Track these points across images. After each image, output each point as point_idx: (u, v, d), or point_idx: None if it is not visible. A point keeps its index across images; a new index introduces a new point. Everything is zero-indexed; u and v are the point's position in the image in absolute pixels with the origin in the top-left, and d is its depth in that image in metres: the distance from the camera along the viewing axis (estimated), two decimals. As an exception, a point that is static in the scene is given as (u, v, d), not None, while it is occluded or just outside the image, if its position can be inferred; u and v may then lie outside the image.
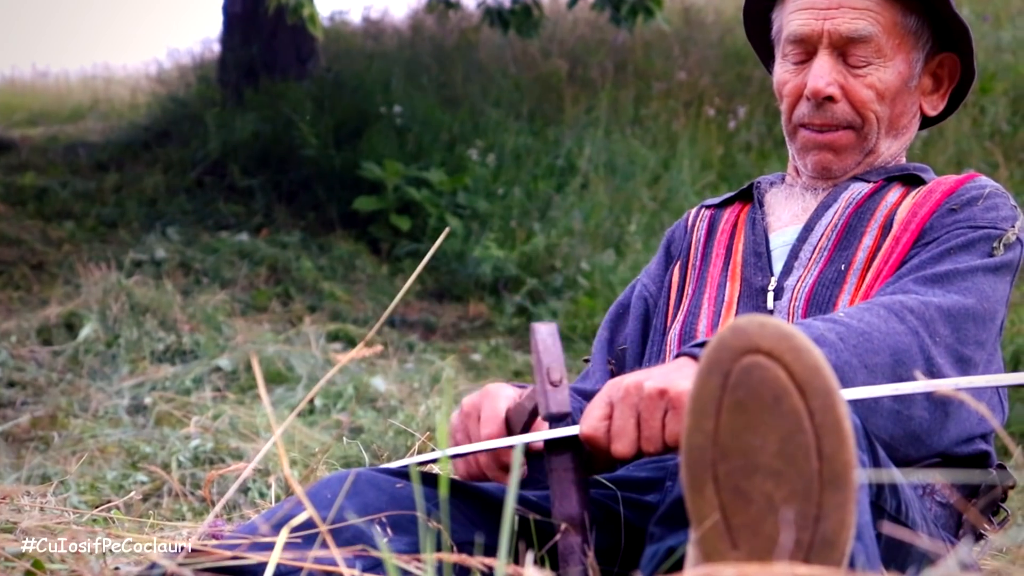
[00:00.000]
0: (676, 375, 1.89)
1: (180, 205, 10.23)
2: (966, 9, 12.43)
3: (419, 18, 13.84)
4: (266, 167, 10.61)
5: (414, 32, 13.74)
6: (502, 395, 2.10)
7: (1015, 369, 6.46)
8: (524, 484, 2.17)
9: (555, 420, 1.96)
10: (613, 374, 2.56)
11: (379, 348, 1.85)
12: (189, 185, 10.68)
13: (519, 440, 2.02)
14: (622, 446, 1.88)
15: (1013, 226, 2.30)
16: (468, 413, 2.12)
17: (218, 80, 12.55)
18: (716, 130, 10.68)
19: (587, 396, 2.43)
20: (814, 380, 1.51)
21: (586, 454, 1.96)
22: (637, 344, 2.59)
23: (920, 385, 1.86)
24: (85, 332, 6.98)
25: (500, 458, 2.07)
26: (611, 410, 1.91)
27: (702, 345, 1.95)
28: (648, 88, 11.45)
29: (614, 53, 12.26)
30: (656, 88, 11.45)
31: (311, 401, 5.87)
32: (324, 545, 1.76)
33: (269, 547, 1.85)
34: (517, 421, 2.06)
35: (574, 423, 2.02)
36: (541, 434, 2.02)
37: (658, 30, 11.55)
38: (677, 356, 1.98)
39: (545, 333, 1.99)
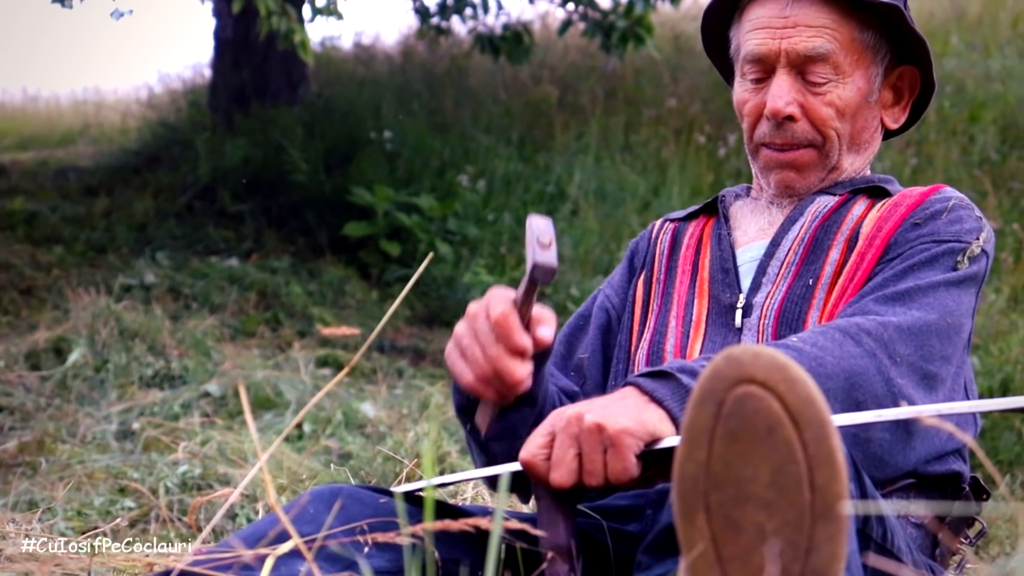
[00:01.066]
0: (616, 408, 1.89)
1: (170, 230, 10.23)
2: (955, 37, 12.52)
3: (410, 44, 13.88)
4: (256, 192, 10.61)
5: (405, 58, 13.77)
6: (507, 291, 2.06)
7: (1003, 395, 6.45)
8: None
9: (543, 273, 1.95)
10: (576, 385, 2.54)
11: (357, 364, 1.84)
12: (179, 210, 10.68)
13: (502, 470, 2.01)
14: (559, 476, 1.88)
15: (978, 238, 2.29)
16: (475, 314, 2.07)
17: (209, 105, 12.56)
18: (706, 157, 10.71)
19: (558, 386, 2.45)
20: (807, 411, 1.51)
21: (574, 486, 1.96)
22: (598, 352, 2.58)
23: (904, 412, 1.86)
24: (74, 357, 6.97)
25: (511, 341, 2.00)
26: (552, 438, 1.90)
27: (647, 375, 1.95)
28: (638, 115, 11.48)
29: (604, 80, 12.30)
30: (646, 115, 11.48)
31: (300, 427, 5.86)
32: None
33: (253, 568, 1.84)
34: (519, 299, 2.03)
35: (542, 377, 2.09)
36: (500, 468, 2.02)
37: (648, 57, 11.61)
38: (624, 384, 1.97)
39: (539, 217, 2.00)
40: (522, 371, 2.02)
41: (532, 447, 1.91)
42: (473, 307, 2.08)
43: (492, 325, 2.01)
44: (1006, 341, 7.22)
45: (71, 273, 8.88)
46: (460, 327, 2.09)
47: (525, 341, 2.01)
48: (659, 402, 1.90)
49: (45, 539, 2.47)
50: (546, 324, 2.06)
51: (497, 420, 2.17)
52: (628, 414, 1.87)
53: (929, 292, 2.18)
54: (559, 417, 1.91)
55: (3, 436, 5.97)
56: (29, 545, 2.32)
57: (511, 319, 2.00)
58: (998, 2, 13.76)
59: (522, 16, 12.16)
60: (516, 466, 1.96)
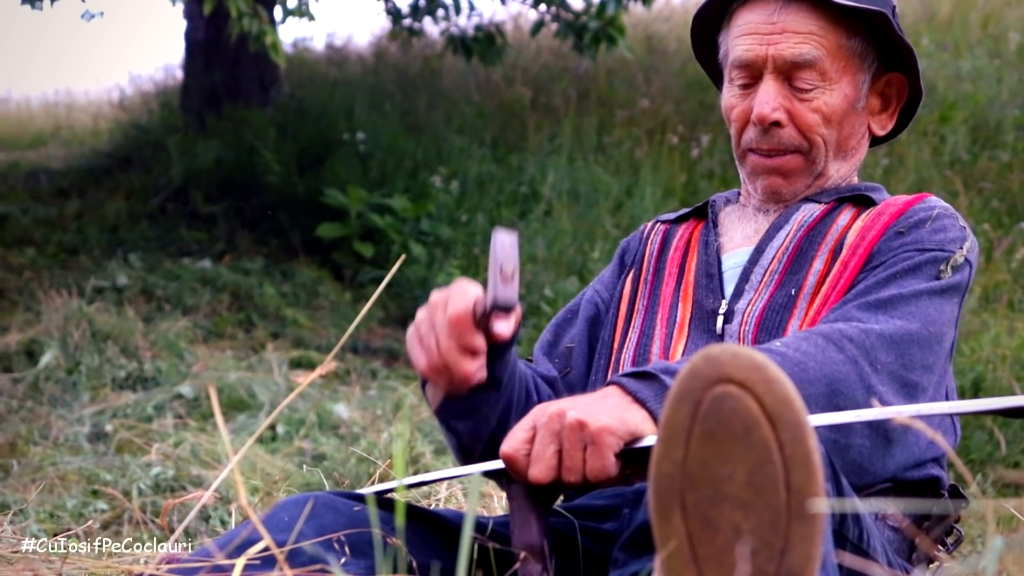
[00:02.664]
0: (599, 407, 1.90)
1: (142, 232, 10.21)
2: (926, 38, 12.55)
3: (382, 45, 13.87)
4: (229, 194, 10.60)
5: (377, 59, 13.76)
6: (471, 287, 2.08)
7: (975, 396, 6.48)
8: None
9: (502, 310, 1.98)
10: (560, 372, 2.55)
11: (333, 366, 1.83)
12: (151, 212, 10.66)
13: (476, 468, 2.02)
14: (538, 471, 1.89)
15: (961, 247, 2.29)
16: (435, 304, 2.09)
17: (181, 107, 12.53)
18: (679, 157, 10.71)
19: (539, 375, 2.48)
20: (785, 412, 1.51)
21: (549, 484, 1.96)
22: (584, 344, 2.59)
23: (881, 412, 1.87)
24: (46, 359, 6.95)
25: (463, 339, 2.04)
26: (533, 434, 1.91)
27: (631, 375, 1.96)
28: (611, 116, 11.49)
29: (577, 81, 12.31)
30: (619, 116, 11.49)
31: (273, 428, 5.85)
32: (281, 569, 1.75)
33: (226, 572, 1.84)
34: (479, 312, 2.05)
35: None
36: (487, 464, 2.03)
37: (621, 58, 11.61)
38: (608, 383, 1.98)
39: (504, 236, 2.01)
40: (470, 367, 2.06)
41: (514, 442, 1.92)
42: (435, 296, 2.10)
43: (448, 321, 2.03)
44: (977, 341, 7.24)
45: (43, 275, 8.85)
46: (421, 314, 2.12)
47: (477, 342, 2.05)
48: (642, 403, 1.90)
49: (16, 541, 2.46)
50: (504, 319, 2.06)
51: (459, 399, 2.18)
52: (610, 413, 1.87)
53: (912, 301, 2.18)
54: (541, 413, 1.91)
55: (-25, 439, 5.95)
56: (1, 547, 2.30)
57: (465, 320, 2.02)
58: (968, 3, 13.81)
59: (494, 17, 12.18)
60: (498, 463, 1.97)
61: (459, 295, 2.05)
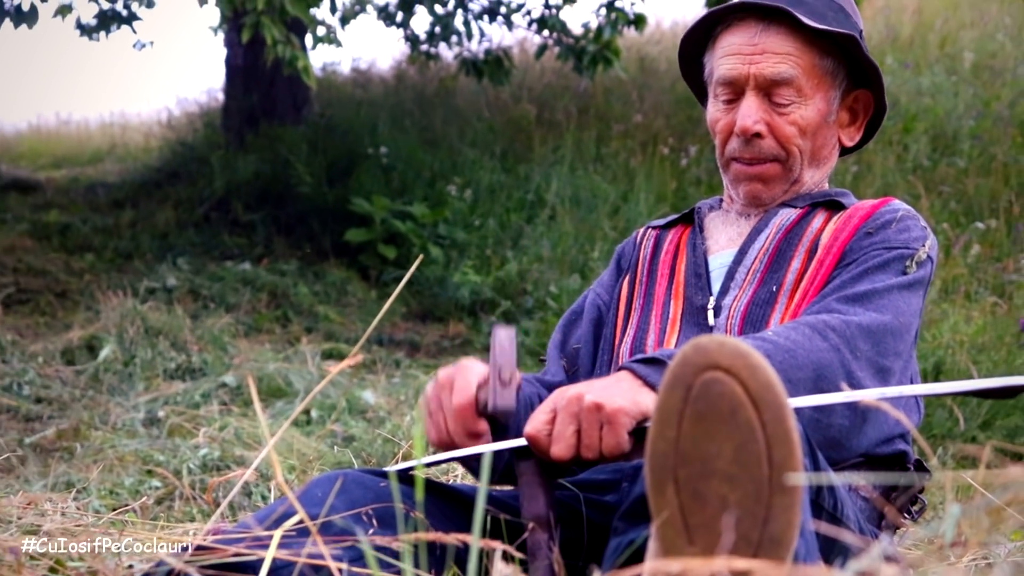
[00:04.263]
0: (614, 390, 1.92)
1: (189, 238, 10.21)
2: (890, 57, 12.54)
3: (402, 68, 13.86)
4: (266, 203, 10.60)
5: (398, 81, 13.74)
6: (474, 370, 2.11)
7: (936, 378, 6.48)
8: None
9: (499, 415, 2.02)
10: (567, 371, 2.57)
11: (360, 357, 1.84)
12: (197, 220, 10.66)
13: (486, 448, 2.03)
14: (559, 449, 1.90)
15: (924, 245, 2.31)
16: (443, 385, 2.12)
17: (222, 126, 12.53)
18: (670, 167, 10.71)
19: (545, 385, 2.49)
20: (767, 395, 1.52)
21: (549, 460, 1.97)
22: (589, 344, 2.59)
23: (855, 395, 1.88)
24: (104, 353, 6.95)
25: (467, 425, 2.07)
26: (554, 416, 1.93)
27: (642, 361, 1.98)
28: (608, 129, 11.48)
29: (577, 98, 12.29)
30: (615, 129, 11.47)
31: (307, 412, 5.85)
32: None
33: (265, 544, 1.84)
34: (480, 402, 2.07)
35: (517, 419, 2.10)
36: (500, 444, 2.03)
37: (616, 77, 11.62)
38: (619, 369, 2.00)
39: (503, 336, 2.04)
40: (477, 444, 2.09)
41: (536, 423, 1.94)
42: (443, 376, 2.13)
43: (453, 411, 2.07)
44: (938, 328, 7.25)
45: (101, 278, 8.86)
46: (430, 390, 2.15)
47: (480, 428, 2.08)
48: (651, 386, 1.92)
49: (80, 516, 2.46)
50: (507, 400, 2.08)
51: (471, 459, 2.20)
52: (624, 395, 1.89)
53: (884, 295, 2.20)
54: (561, 396, 1.93)
55: (42, 424, 5.96)
56: (66, 522, 2.30)
57: (468, 411, 2.07)
58: (927, 25, 13.82)
59: (502, 42, 12.13)
60: (521, 441, 1.98)
61: (462, 384, 2.09)
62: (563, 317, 2.72)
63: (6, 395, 6.30)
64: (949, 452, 5.29)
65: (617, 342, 2.53)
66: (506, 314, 8.52)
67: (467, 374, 2.10)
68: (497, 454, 2.17)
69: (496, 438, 2.13)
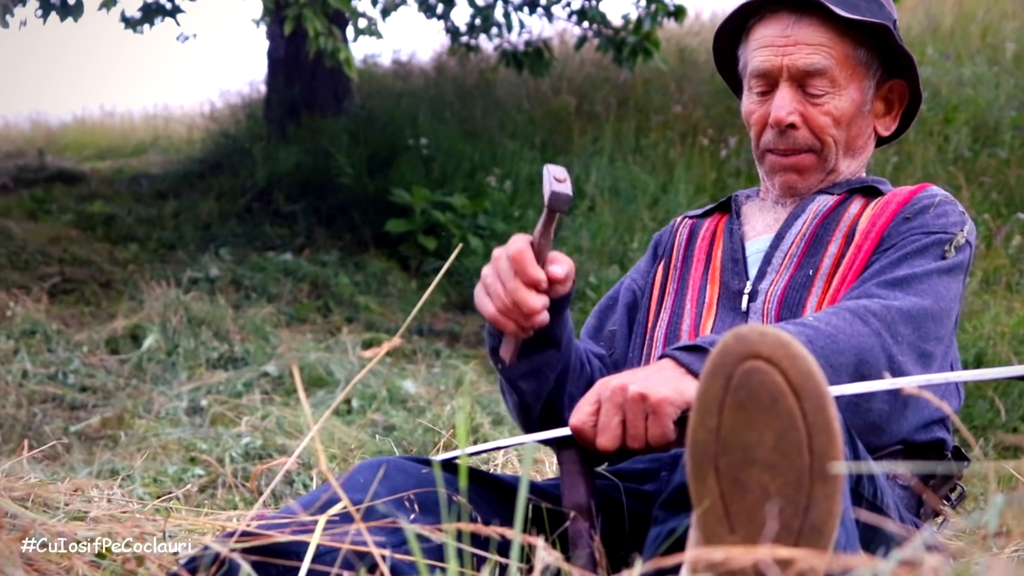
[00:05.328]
0: (657, 379, 1.92)
1: (231, 229, 10.26)
2: (931, 48, 12.47)
3: (443, 60, 13.87)
4: (307, 194, 10.63)
5: (438, 72, 13.76)
6: (525, 235, 2.08)
7: (978, 368, 6.45)
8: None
9: (561, 202, 1.97)
10: (601, 359, 2.55)
11: (399, 342, 1.83)
12: (239, 211, 10.71)
13: (532, 438, 2.03)
14: (605, 440, 1.91)
15: (962, 230, 2.30)
16: (497, 256, 2.10)
17: (264, 117, 12.58)
18: (709, 158, 10.69)
19: (593, 352, 2.51)
20: (808, 384, 1.52)
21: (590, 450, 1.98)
22: (624, 326, 2.60)
23: (894, 383, 1.88)
24: (148, 342, 7.00)
25: (526, 274, 2.03)
26: (598, 407, 1.93)
27: (684, 349, 1.98)
28: (647, 120, 11.46)
29: (617, 90, 12.28)
30: (655, 120, 11.46)
31: (349, 402, 5.87)
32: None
33: (309, 529, 1.85)
34: (536, 238, 2.05)
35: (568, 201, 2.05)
36: (548, 433, 2.03)
37: (656, 69, 11.58)
38: (661, 357, 2.00)
39: (554, 165, 2.01)
40: (536, 301, 2.04)
41: (581, 415, 1.94)
42: (496, 251, 2.11)
43: (510, 260, 2.04)
44: (979, 319, 7.22)
45: (145, 268, 8.91)
46: (486, 269, 2.12)
47: (539, 273, 2.03)
48: (695, 374, 1.92)
49: (125, 503, 2.48)
50: (559, 263, 2.07)
51: (524, 360, 2.20)
52: (668, 384, 1.90)
53: (924, 279, 2.19)
54: (604, 387, 1.93)
55: (87, 412, 6.00)
56: (112, 508, 2.32)
57: (526, 254, 2.02)
58: (968, 16, 13.72)
59: (542, 33, 12.11)
60: (564, 431, 1.99)
61: (517, 239, 2.06)
62: (599, 303, 2.72)
63: (52, 384, 6.35)
64: (991, 443, 5.26)
65: (650, 326, 2.54)
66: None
67: (518, 236, 2.08)
68: (545, 377, 2.22)
69: (552, 322, 2.14)
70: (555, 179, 1.97)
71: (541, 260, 2.05)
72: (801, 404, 1.53)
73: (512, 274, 2.05)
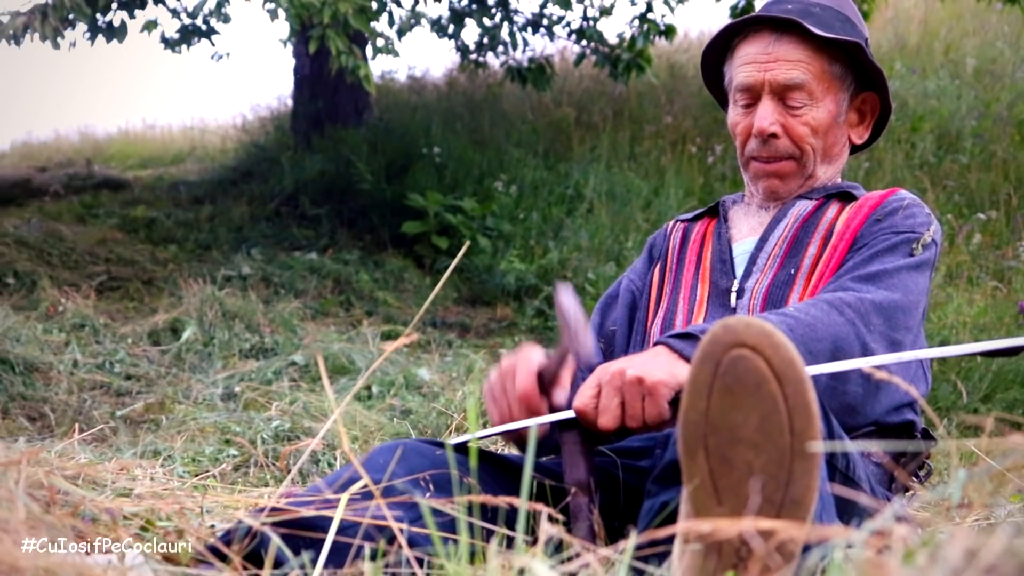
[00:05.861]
0: (652, 364, 1.93)
1: (261, 231, 10.25)
2: (899, 63, 12.49)
3: (454, 76, 13.85)
4: (330, 199, 10.63)
5: (449, 87, 13.74)
6: (534, 355, 2.11)
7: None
8: (544, 449, 2.19)
9: (584, 363, 2.02)
10: (603, 351, 2.58)
11: (415, 336, 1.84)
12: (268, 214, 10.70)
13: (534, 422, 2.03)
14: (606, 420, 1.92)
15: (929, 229, 2.31)
16: (506, 372, 2.12)
17: (291, 129, 12.57)
18: (697, 164, 10.69)
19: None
20: (789, 371, 1.54)
21: (590, 431, 1.99)
22: (624, 325, 2.60)
23: (869, 360, 1.90)
24: (186, 334, 7.00)
25: (531, 407, 2.06)
26: (599, 390, 1.95)
27: (677, 336, 1.99)
28: (641, 130, 11.46)
29: (613, 102, 12.27)
30: (647, 130, 11.45)
31: (369, 388, 5.87)
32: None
33: (334, 505, 1.85)
34: (547, 373, 2.06)
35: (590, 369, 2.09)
36: (549, 417, 2.04)
37: (648, 83, 11.58)
38: (656, 344, 2.01)
39: (566, 297, 2.00)
40: (529, 448, 2.05)
41: (583, 398, 1.96)
42: (506, 363, 2.13)
43: (518, 396, 2.07)
44: (943, 310, 7.24)
45: (183, 267, 8.91)
46: (494, 376, 2.15)
47: (542, 410, 2.07)
48: (686, 358, 1.93)
49: (166, 481, 2.48)
50: (564, 389, 2.09)
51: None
52: (662, 368, 1.91)
53: (894, 275, 2.21)
54: (604, 372, 1.95)
55: (132, 399, 6.01)
56: (154, 486, 2.32)
57: (532, 395, 2.06)
58: (933, 34, 13.75)
59: (544, 51, 12.10)
60: (569, 413, 2.00)
61: (525, 369, 2.08)
62: (600, 300, 2.73)
63: (99, 373, 6.36)
64: (954, 422, 5.26)
65: (649, 322, 2.55)
66: (548, 299, 8.52)
67: (528, 360, 2.09)
68: (546, 436, 2.19)
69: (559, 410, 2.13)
70: (572, 329, 1.97)
71: (547, 384, 2.07)
72: (783, 388, 1.54)
73: (518, 403, 2.08)
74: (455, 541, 1.52)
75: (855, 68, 2.49)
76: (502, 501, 1.65)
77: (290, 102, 13.08)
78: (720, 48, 2.58)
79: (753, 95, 2.46)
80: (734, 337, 1.56)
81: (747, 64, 2.45)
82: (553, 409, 2.09)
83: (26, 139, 17.56)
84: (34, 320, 7.01)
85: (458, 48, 11.56)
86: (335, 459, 4.27)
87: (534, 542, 1.56)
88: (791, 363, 1.54)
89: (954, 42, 13.46)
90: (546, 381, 2.07)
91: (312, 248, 9.77)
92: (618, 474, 2.19)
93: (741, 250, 2.49)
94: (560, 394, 2.09)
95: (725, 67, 2.59)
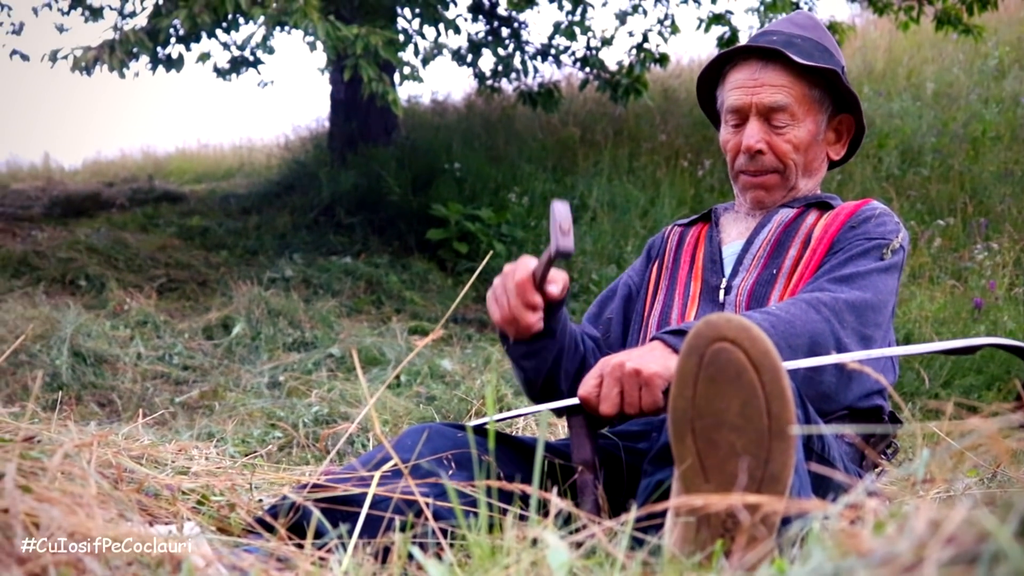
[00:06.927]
0: (649, 357, 1.94)
1: (302, 238, 10.27)
2: (867, 87, 12.48)
3: (472, 99, 13.85)
4: (363, 209, 10.63)
5: (468, 109, 13.74)
6: (529, 261, 2.15)
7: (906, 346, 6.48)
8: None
9: (563, 256, 2.00)
10: (602, 336, 2.58)
11: (441, 333, 1.86)
12: (308, 223, 10.71)
13: (548, 407, 2.05)
14: (607, 407, 1.93)
15: (897, 236, 2.31)
16: (506, 273, 2.17)
17: (328, 147, 12.58)
18: (688, 177, 10.67)
19: (588, 334, 2.53)
20: (765, 361, 1.54)
21: (593, 416, 2.00)
22: (619, 315, 2.61)
23: (838, 358, 1.90)
24: (236, 330, 7.01)
25: (526, 297, 2.13)
26: (601, 380, 1.96)
27: (671, 332, 1.99)
28: (638, 147, 11.44)
29: (613, 122, 12.26)
30: (644, 147, 11.44)
31: (398, 377, 5.87)
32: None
33: (367, 482, 1.86)
34: (539, 270, 2.11)
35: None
36: (560, 403, 2.05)
37: (645, 105, 11.58)
38: (652, 339, 2.02)
39: (560, 204, 2.02)
40: (531, 318, 2.14)
41: (587, 387, 1.97)
42: (506, 268, 2.17)
43: (515, 285, 2.12)
44: (907, 306, 7.26)
45: (233, 270, 8.93)
46: (496, 281, 2.19)
47: (536, 299, 2.13)
48: (679, 352, 1.93)
49: (219, 460, 2.49)
50: (555, 283, 2.14)
51: (526, 344, 2.25)
52: (657, 361, 1.92)
53: (866, 276, 2.21)
54: (606, 364, 1.96)
55: (188, 387, 6.02)
56: (209, 465, 2.33)
57: (527, 283, 2.11)
58: (896, 61, 13.75)
59: (552, 77, 12.10)
60: (573, 400, 2.01)
61: (522, 266, 2.13)
62: (600, 295, 2.74)
63: (160, 364, 6.38)
64: (918, 407, 5.25)
65: (647, 315, 2.55)
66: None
67: (525, 260, 2.15)
68: (543, 358, 2.25)
69: (549, 317, 2.20)
70: (560, 231, 1.99)
71: (540, 283, 2.12)
72: (760, 377, 1.55)
73: (515, 295, 2.13)
74: (475, 514, 1.53)
75: (832, 93, 2.49)
76: (516, 487, 1.66)
77: (327, 123, 13.09)
78: (713, 74, 2.59)
79: (742, 116, 2.46)
80: (716, 332, 1.57)
81: (737, 89, 2.46)
82: (546, 299, 2.15)
83: (96, 158, 17.59)
84: (103, 318, 7.04)
85: (476, 75, 11.57)
86: (368, 441, 4.28)
87: (546, 515, 1.56)
88: (767, 354, 1.55)
89: (915, 68, 13.44)
90: (538, 277, 2.11)
91: (347, 253, 9.78)
92: (619, 455, 2.20)
93: (730, 252, 2.50)
94: (552, 287, 2.14)
95: (717, 91, 2.59)
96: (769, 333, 1.93)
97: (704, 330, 1.58)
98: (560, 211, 2.01)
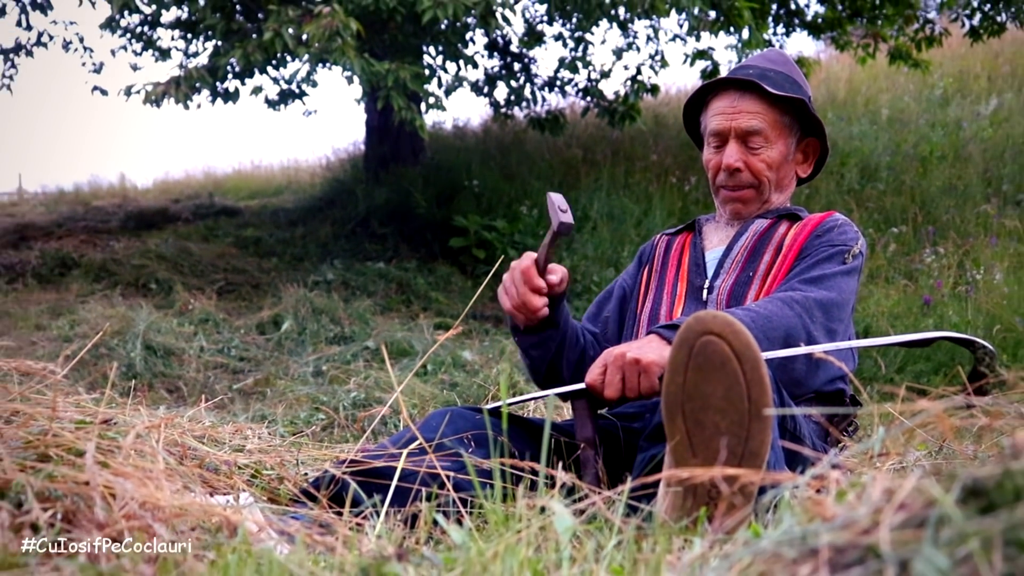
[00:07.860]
0: (647, 348, 1.94)
1: (342, 246, 10.28)
2: (830, 113, 12.48)
3: (489, 125, 13.85)
4: (394, 221, 10.65)
5: (485, 134, 13.75)
6: (532, 253, 2.19)
7: (866, 337, 6.47)
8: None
9: (567, 228, 2.04)
10: (595, 335, 2.56)
11: (461, 328, 1.87)
12: (347, 233, 10.73)
13: (555, 392, 2.05)
14: (611, 391, 1.94)
15: (857, 243, 2.32)
16: (513, 267, 2.21)
17: (363, 167, 12.58)
18: (677, 191, 10.67)
19: (587, 330, 2.53)
20: (747, 352, 1.54)
21: (596, 399, 2.00)
22: (615, 314, 2.60)
23: (806, 349, 1.89)
24: (285, 326, 7.03)
25: (531, 281, 2.17)
26: (605, 368, 1.96)
27: (665, 327, 1.99)
28: (633, 165, 11.44)
29: (611, 144, 12.26)
30: (638, 165, 11.43)
31: (424, 367, 5.88)
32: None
33: (397, 459, 1.86)
34: (540, 257, 2.14)
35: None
36: (568, 388, 2.04)
37: (639, 129, 11.59)
38: (648, 333, 2.02)
39: (555, 193, 2.07)
40: (538, 302, 2.17)
41: (593, 374, 1.98)
42: (513, 263, 2.21)
43: (520, 273, 2.17)
44: (866, 303, 7.26)
45: (282, 274, 8.95)
46: (505, 275, 2.23)
47: (540, 283, 2.17)
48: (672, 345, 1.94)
49: (271, 439, 2.49)
50: (555, 272, 2.20)
51: (534, 334, 2.28)
52: (654, 351, 1.92)
53: (831, 278, 2.22)
54: (609, 355, 1.97)
55: (244, 376, 6.04)
56: (262, 443, 2.33)
57: (531, 270, 2.16)
58: (856, 90, 13.78)
59: (558, 105, 12.08)
60: (580, 386, 2.01)
61: (525, 257, 2.17)
62: (598, 296, 2.74)
63: (220, 355, 6.39)
64: (875, 390, 5.23)
65: (639, 312, 2.55)
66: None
67: (528, 254, 2.18)
68: (547, 347, 2.28)
69: (552, 310, 2.23)
70: (559, 209, 2.01)
71: (544, 271, 2.14)
72: (742, 366, 1.55)
73: (521, 282, 2.16)
74: (491, 486, 1.53)
75: (801, 119, 2.48)
76: (526, 465, 1.66)
77: (363, 146, 13.11)
78: (697, 102, 2.58)
79: (722, 139, 2.45)
80: (704, 327, 1.57)
81: (718, 115, 2.45)
82: (548, 288, 2.18)
83: (164, 178, 17.63)
84: (170, 316, 7.07)
85: (492, 104, 11.57)
86: (399, 422, 4.28)
87: (552, 486, 1.56)
88: (748, 346, 1.55)
89: (872, 97, 13.44)
90: (542, 261, 2.14)
91: (380, 259, 9.80)
92: (618, 433, 2.19)
93: (712, 256, 2.49)
94: (552, 276, 2.18)
95: (701, 117, 2.58)
96: (750, 327, 1.93)
97: (694, 325, 1.58)
98: (555, 197, 2.06)
